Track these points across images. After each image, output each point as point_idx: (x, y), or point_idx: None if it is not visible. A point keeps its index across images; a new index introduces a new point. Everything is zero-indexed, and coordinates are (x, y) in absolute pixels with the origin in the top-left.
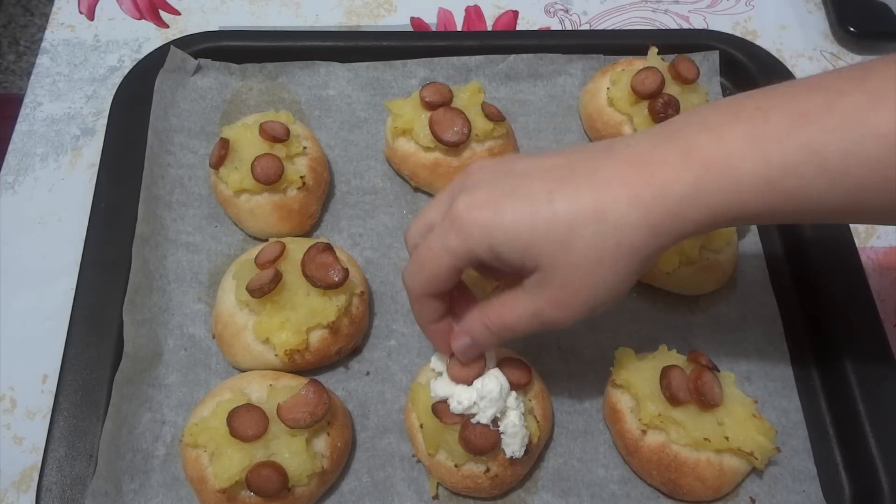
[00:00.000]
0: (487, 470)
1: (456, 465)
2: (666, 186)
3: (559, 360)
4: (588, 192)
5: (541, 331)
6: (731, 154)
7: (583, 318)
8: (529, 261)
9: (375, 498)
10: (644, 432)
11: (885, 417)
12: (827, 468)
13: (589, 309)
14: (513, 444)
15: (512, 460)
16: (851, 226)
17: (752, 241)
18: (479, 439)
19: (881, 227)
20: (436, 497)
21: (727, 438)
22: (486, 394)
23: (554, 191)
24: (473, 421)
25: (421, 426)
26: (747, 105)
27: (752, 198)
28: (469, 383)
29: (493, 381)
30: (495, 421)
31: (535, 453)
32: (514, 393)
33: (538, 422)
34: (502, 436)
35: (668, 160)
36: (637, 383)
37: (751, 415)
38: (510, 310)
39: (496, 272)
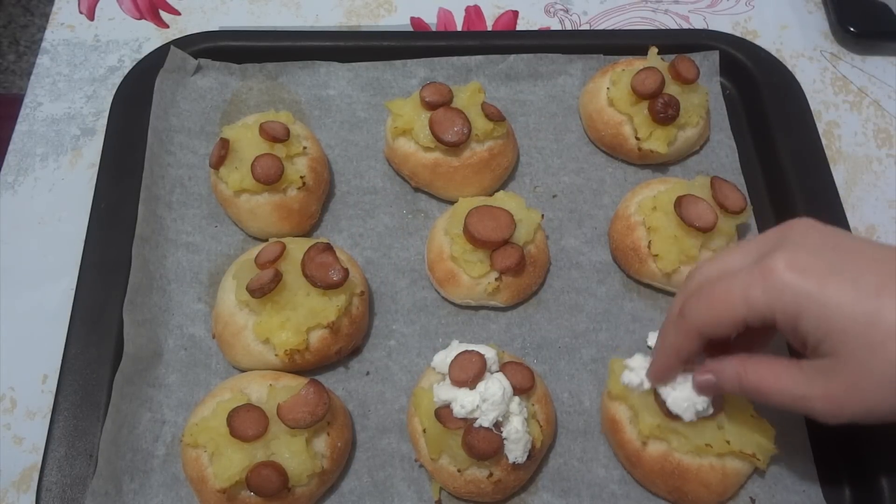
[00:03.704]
0: (490, 475)
1: (459, 470)
2: None
3: (559, 360)
4: None
5: (793, 412)
6: None
7: (847, 423)
8: (827, 346)
9: (375, 498)
10: (645, 443)
11: None
12: (827, 468)
13: (862, 418)
14: (515, 450)
15: (515, 465)
16: (851, 225)
17: None
18: (482, 444)
19: (881, 227)
20: (438, 502)
21: (728, 442)
22: (489, 397)
23: (883, 286)
24: (476, 424)
25: (423, 431)
26: None
27: None
28: (472, 387)
29: (495, 385)
30: (498, 425)
31: (539, 458)
32: (517, 398)
33: (541, 426)
34: (505, 441)
35: None
36: (633, 394)
37: (749, 415)
38: (775, 379)
39: (728, 342)
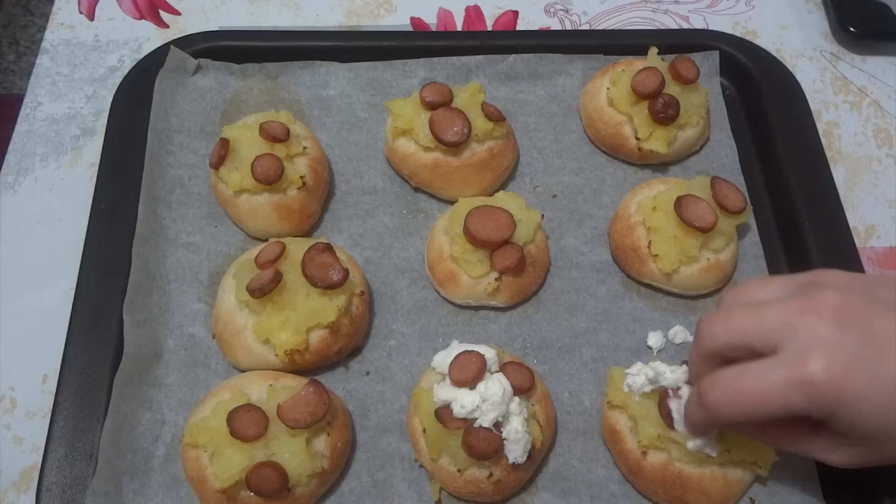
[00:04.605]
0: (490, 475)
1: (459, 470)
2: None
3: (559, 360)
4: None
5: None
6: None
7: None
8: (857, 434)
9: (375, 498)
10: (645, 453)
11: None
12: (827, 468)
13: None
14: (515, 451)
15: (514, 465)
16: (851, 225)
17: (752, 242)
18: (482, 444)
19: (881, 227)
20: (438, 502)
21: (729, 451)
22: (489, 397)
23: None
24: (476, 425)
25: (424, 431)
26: None
27: None
28: (472, 387)
29: (495, 385)
30: (497, 425)
31: (539, 458)
32: (517, 399)
33: (541, 426)
34: (505, 441)
35: None
36: (633, 404)
37: None
38: (792, 441)
39: None
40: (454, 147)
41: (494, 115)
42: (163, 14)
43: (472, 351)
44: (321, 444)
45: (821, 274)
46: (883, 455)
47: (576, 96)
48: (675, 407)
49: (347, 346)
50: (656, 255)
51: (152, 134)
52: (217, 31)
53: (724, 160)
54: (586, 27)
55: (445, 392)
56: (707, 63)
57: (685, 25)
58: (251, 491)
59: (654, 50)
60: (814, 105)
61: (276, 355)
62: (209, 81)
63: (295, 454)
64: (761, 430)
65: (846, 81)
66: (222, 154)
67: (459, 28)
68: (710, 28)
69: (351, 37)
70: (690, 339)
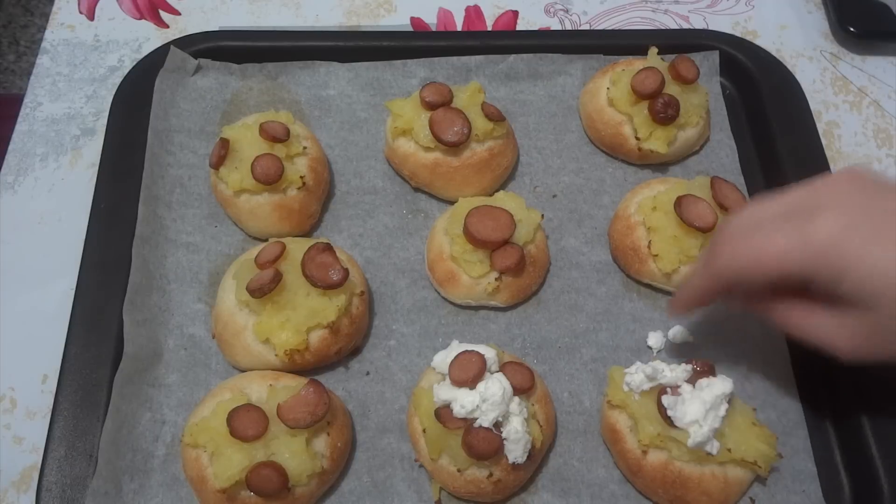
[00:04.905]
0: (490, 475)
1: (459, 470)
2: None
3: (559, 360)
4: None
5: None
6: None
7: (863, 360)
8: (865, 302)
9: (375, 498)
10: (645, 452)
11: (885, 417)
12: (827, 468)
13: (878, 357)
14: (515, 451)
15: (514, 465)
16: None
17: None
18: (482, 444)
19: None
20: (438, 502)
21: (729, 450)
22: (489, 397)
23: None
24: (476, 424)
25: (423, 431)
26: None
27: None
28: (472, 387)
29: (495, 385)
30: (497, 425)
31: (539, 458)
32: (516, 399)
33: (541, 426)
34: (505, 441)
35: None
36: (633, 403)
37: (751, 423)
38: (812, 327)
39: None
40: (454, 147)
41: (494, 115)
42: (163, 14)
43: (472, 351)
44: (321, 444)
45: (815, 191)
46: (890, 339)
47: (576, 96)
48: (674, 404)
49: (347, 346)
50: (656, 255)
51: (152, 134)
52: (217, 31)
53: (724, 160)
54: (586, 27)
55: (445, 392)
56: (707, 63)
57: (685, 25)
58: (251, 491)
59: (654, 50)
60: (814, 105)
61: (276, 355)
62: (209, 81)
63: (295, 454)
64: (768, 304)
65: (846, 81)
66: (222, 154)
67: (459, 28)
68: (710, 28)
69: (351, 37)
70: (690, 339)
